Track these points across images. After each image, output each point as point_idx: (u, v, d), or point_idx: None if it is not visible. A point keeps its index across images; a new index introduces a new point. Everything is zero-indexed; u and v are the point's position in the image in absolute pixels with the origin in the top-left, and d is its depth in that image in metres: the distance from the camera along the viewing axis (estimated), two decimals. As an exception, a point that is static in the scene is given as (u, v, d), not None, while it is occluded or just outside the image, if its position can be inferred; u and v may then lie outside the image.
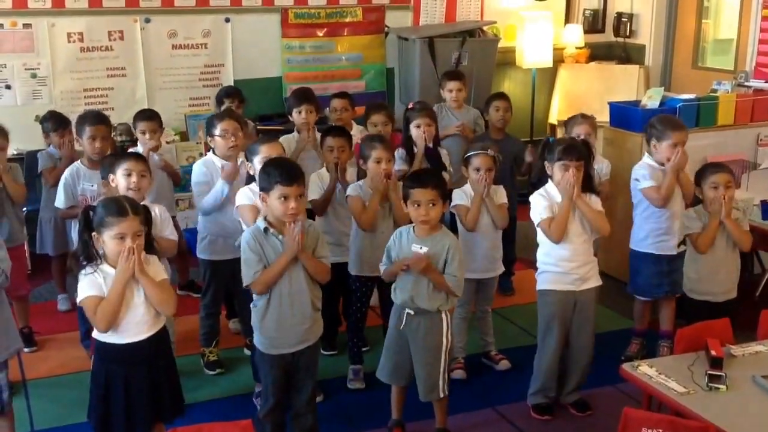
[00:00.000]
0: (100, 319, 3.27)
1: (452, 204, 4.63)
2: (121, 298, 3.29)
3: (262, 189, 3.69)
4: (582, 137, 4.81)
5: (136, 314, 3.35)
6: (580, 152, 4.18)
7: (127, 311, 3.33)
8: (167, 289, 3.44)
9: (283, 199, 3.58)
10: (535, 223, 4.24)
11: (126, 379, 3.41)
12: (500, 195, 4.65)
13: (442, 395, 4.00)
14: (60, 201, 4.85)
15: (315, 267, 3.68)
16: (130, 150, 5.22)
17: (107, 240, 3.28)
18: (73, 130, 5.32)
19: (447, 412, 4.10)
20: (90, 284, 3.30)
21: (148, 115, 5.45)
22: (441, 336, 3.93)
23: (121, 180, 4.12)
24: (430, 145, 4.98)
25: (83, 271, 3.33)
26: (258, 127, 6.32)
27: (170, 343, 3.64)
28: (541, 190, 4.27)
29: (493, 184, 4.62)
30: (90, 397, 3.52)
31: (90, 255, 3.34)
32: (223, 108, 5.85)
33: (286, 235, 3.59)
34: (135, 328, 3.36)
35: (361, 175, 4.57)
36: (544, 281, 4.30)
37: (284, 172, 3.61)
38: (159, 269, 3.45)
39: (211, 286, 4.83)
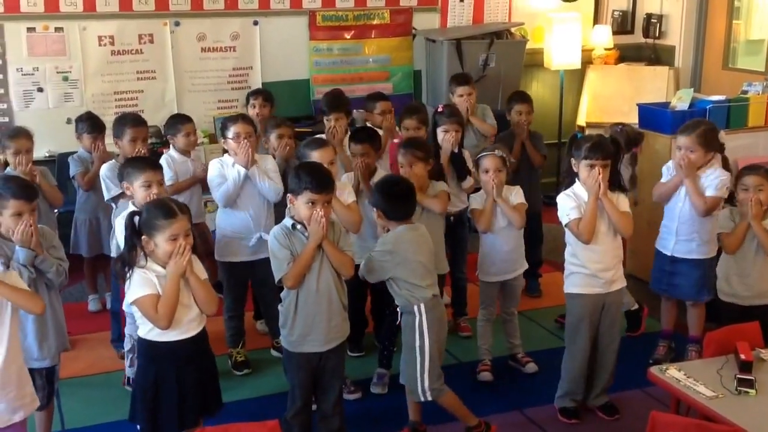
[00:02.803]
0: (164, 316, 3.32)
1: (470, 207, 4.65)
2: (178, 294, 3.34)
3: (290, 191, 3.73)
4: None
5: (189, 312, 3.42)
6: (606, 151, 4.16)
7: (183, 309, 3.39)
8: (210, 289, 3.51)
9: (310, 204, 3.62)
10: (563, 223, 4.22)
11: (177, 376, 3.45)
12: (517, 195, 4.66)
13: (422, 399, 3.97)
14: (109, 192, 4.86)
15: (338, 257, 3.70)
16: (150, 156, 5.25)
17: (160, 242, 3.33)
18: (109, 132, 5.40)
19: (458, 407, 4.04)
20: (143, 283, 3.34)
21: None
22: (413, 334, 3.92)
23: (140, 191, 4.08)
24: (456, 150, 4.98)
25: (131, 271, 3.37)
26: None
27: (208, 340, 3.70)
28: (567, 191, 4.25)
29: (513, 184, 4.68)
30: (134, 399, 3.56)
31: (137, 260, 3.37)
32: (249, 107, 5.93)
33: (311, 221, 3.61)
34: (187, 325, 3.43)
35: None
36: (572, 284, 4.27)
37: (314, 179, 3.65)
38: (201, 269, 3.51)
39: (230, 288, 4.86)
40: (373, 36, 7.46)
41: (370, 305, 5.05)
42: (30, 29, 6.42)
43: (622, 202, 4.24)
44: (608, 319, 4.28)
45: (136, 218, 3.41)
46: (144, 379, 3.51)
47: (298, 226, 3.70)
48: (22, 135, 5.01)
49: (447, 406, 4.03)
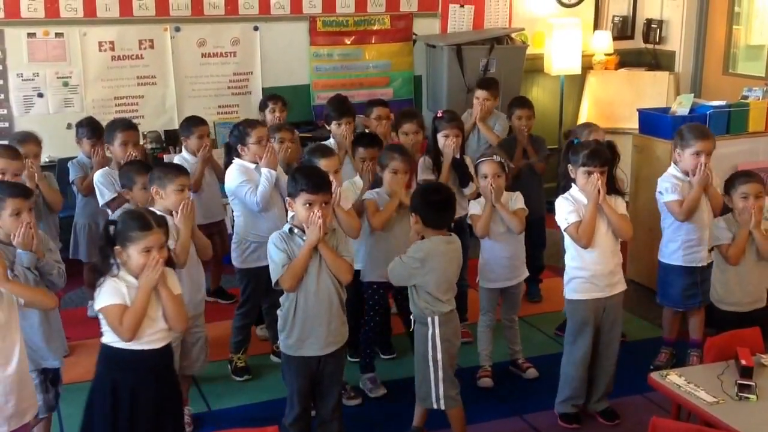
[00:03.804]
0: (128, 328, 3.28)
1: (469, 213, 4.66)
2: (146, 307, 3.30)
3: (289, 194, 3.74)
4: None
5: (154, 326, 3.37)
6: (604, 157, 4.15)
7: (148, 322, 3.34)
8: (181, 305, 3.46)
9: (307, 205, 3.62)
10: (562, 228, 4.22)
11: (133, 389, 3.38)
12: (517, 200, 4.67)
13: (435, 407, 3.97)
14: (103, 198, 4.93)
15: (336, 261, 3.68)
16: (170, 161, 5.26)
17: (133, 254, 3.31)
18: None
19: (460, 426, 4.03)
20: (113, 292, 3.31)
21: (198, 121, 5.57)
22: (425, 345, 3.92)
23: (173, 195, 4.07)
24: (458, 155, 4.98)
25: (103, 279, 3.35)
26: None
27: (174, 359, 3.65)
28: (566, 194, 4.25)
29: (514, 190, 4.70)
30: (87, 410, 3.47)
31: (109, 268, 3.35)
32: (267, 111, 5.92)
33: (308, 223, 3.60)
34: (149, 337, 3.37)
35: (378, 182, 4.59)
36: (573, 290, 4.26)
37: (310, 181, 3.65)
38: (175, 283, 3.46)
39: (252, 295, 4.84)
40: (373, 41, 7.47)
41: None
42: (30, 35, 6.42)
43: (620, 205, 4.24)
44: (608, 323, 4.27)
45: (111, 228, 3.37)
46: (100, 388, 3.43)
47: (296, 231, 3.70)
48: (31, 140, 5.07)
49: (452, 419, 4.02)
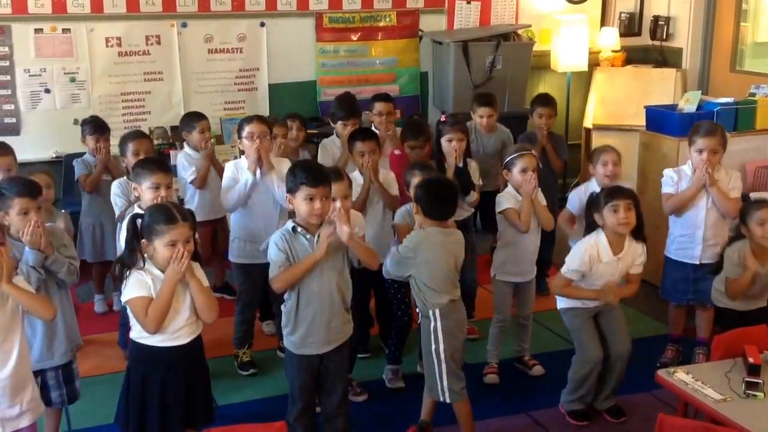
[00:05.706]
0: (153, 320, 3.31)
1: (498, 209, 4.61)
2: (171, 300, 3.33)
3: (288, 190, 3.71)
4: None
5: (178, 319, 3.40)
6: (627, 193, 4.17)
7: (173, 315, 3.37)
8: (211, 295, 3.49)
9: (308, 200, 3.60)
10: (571, 269, 4.23)
11: (162, 383, 3.43)
12: (541, 197, 4.65)
13: (441, 399, 3.98)
14: (117, 208, 4.81)
15: (365, 253, 3.74)
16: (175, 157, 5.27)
17: (159, 247, 3.33)
18: (113, 145, 5.44)
19: (467, 420, 4.01)
20: (138, 284, 3.34)
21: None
22: (429, 338, 3.93)
23: (147, 193, 4.06)
24: (460, 163, 4.91)
25: (129, 272, 3.37)
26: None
27: (204, 350, 3.68)
28: (591, 242, 4.18)
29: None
30: (120, 400, 3.55)
31: (136, 262, 3.38)
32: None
33: (320, 240, 3.59)
34: (175, 332, 3.41)
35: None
36: (562, 300, 4.32)
37: (309, 174, 3.63)
38: (203, 275, 3.49)
39: (245, 290, 4.86)
40: (379, 38, 7.46)
41: (375, 306, 5.02)
42: (37, 30, 6.43)
43: (642, 253, 4.22)
44: (607, 320, 4.29)
45: (139, 221, 3.40)
46: (130, 381, 3.49)
47: (299, 229, 3.67)
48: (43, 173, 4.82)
49: (458, 413, 4.01)
